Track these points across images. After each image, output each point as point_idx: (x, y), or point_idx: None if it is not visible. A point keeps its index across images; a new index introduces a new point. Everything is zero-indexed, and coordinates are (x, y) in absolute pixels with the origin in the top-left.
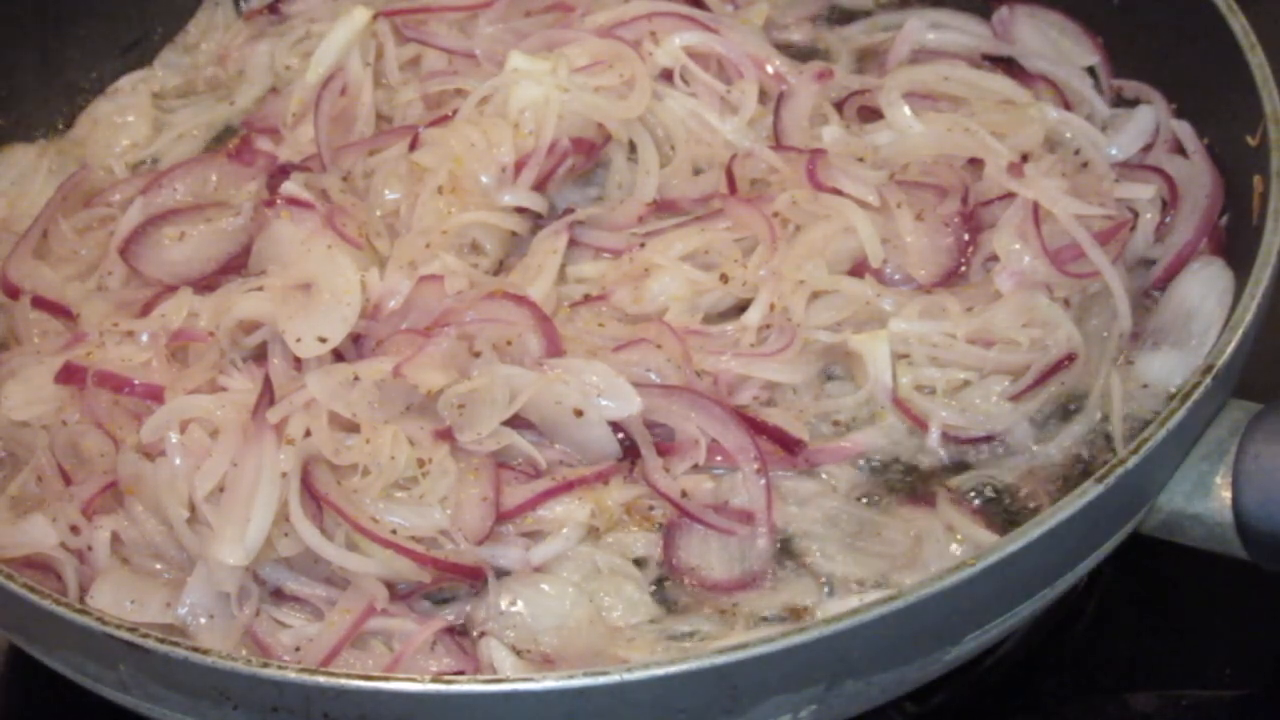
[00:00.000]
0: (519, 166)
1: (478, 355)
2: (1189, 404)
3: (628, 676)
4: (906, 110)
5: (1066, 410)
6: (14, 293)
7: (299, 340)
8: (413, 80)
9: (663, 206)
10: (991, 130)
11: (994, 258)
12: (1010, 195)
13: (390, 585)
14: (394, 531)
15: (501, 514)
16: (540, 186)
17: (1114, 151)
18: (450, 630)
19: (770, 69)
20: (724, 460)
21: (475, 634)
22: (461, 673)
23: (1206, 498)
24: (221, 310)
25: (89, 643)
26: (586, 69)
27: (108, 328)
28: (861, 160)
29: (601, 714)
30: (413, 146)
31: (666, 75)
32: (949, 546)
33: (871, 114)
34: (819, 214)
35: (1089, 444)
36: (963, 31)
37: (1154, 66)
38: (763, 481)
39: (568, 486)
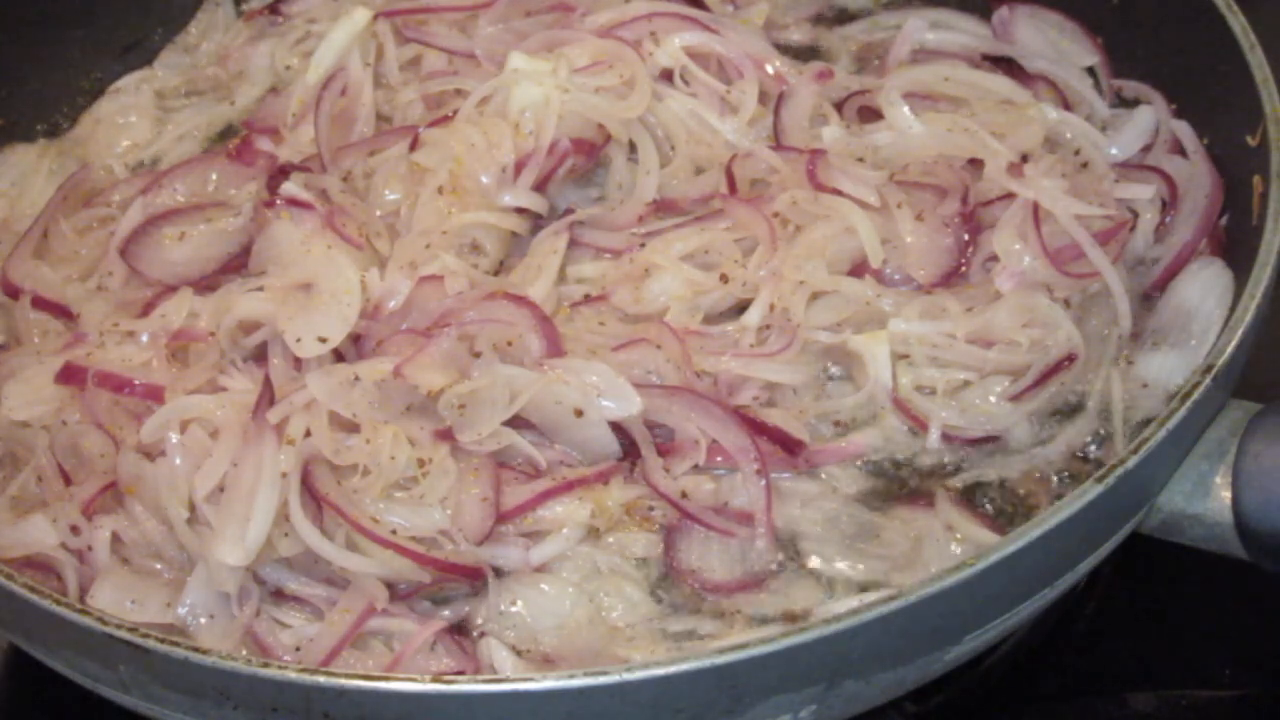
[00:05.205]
0: (519, 167)
1: (478, 355)
2: (1189, 404)
3: (628, 676)
4: (906, 110)
5: (1066, 410)
6: (14, 293)
7: (299, 340)
8: (413, 80)
9: (663, 206)
10: (991, 130)
11: (994, 258)
12: (1010, 195)
13: (390, 585)
14: (394, 531)
15: (501, 514)
16: (540, 187)
17: (1114, 151)
18: (450, 630)
19: (770, 69)
20: (724, 461)
21: (475, 634)
22: (461, 673)
23: (1206, 498)
24: (221, 310)
25: (89, 643)
26: (587, 69)
27: (108, 328)
28: (861, 160)
29: (601, 714)
30: (413, 147)
31: (666, 75)
32: (949, 546)
33: (871, 114)
34: (819, 214)
35: (1089, 444)
36: (963, 31)
37: (1154, 66)
38: (763, 482)
39: (568, 486)
